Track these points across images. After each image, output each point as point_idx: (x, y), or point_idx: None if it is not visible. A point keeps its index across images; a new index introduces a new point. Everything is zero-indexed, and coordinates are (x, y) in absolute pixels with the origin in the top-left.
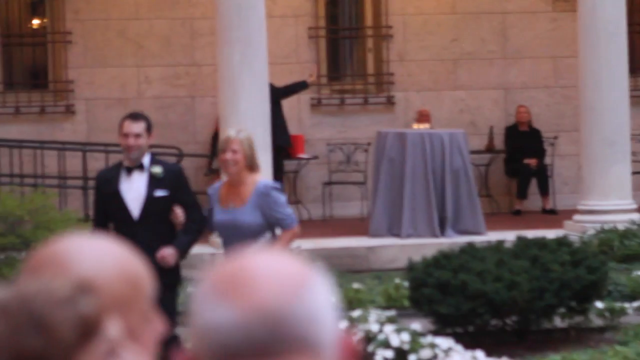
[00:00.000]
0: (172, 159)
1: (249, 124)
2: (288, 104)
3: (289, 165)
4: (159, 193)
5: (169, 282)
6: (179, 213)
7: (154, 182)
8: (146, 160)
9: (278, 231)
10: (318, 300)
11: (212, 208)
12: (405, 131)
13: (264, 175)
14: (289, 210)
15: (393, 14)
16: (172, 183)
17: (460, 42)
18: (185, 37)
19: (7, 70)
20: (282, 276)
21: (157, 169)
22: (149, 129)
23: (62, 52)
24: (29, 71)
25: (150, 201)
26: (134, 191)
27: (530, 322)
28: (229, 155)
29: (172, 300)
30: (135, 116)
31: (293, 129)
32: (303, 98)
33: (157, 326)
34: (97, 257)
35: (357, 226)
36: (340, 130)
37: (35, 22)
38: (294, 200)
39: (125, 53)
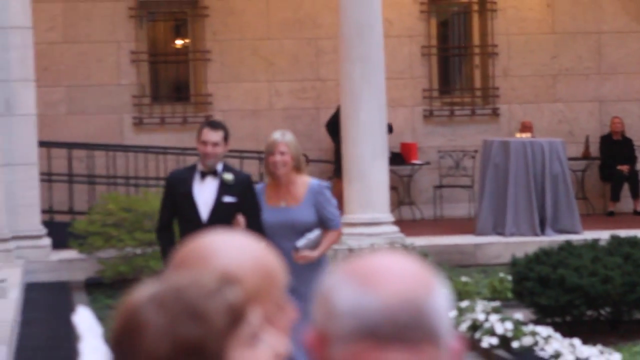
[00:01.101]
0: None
1: (367, 132)
2: (403, 115)
3: (403, 170)
4: (228, 199)
5: None
6: (240, 221)
7: (224, 188)
8: (219, 166)
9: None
10: (444, 298)
11: None
12: (509, 140)
13: (382, 179)
14: (337, 212)
15: (498, 33)
16: (240, 190)
17: (559, 59)
18: (311, 55)
19: (153, 85)
20: (415, 273)
21: (229, 176)
22: (226, 138)
23: (202, 69)
24: (173, 86)
25: (218, 206)
26: (205, 195)
27: (622, 313)
28: (277, 157)
29: None
30: (214, 125)
31: (407, 137)
32: (417, 110)
33: (289, 313)
34: (235, 252)
35: (465, 225)
36: (450, 138)
37: (179, 42)
38: (408, 202)
39: (257, 69)
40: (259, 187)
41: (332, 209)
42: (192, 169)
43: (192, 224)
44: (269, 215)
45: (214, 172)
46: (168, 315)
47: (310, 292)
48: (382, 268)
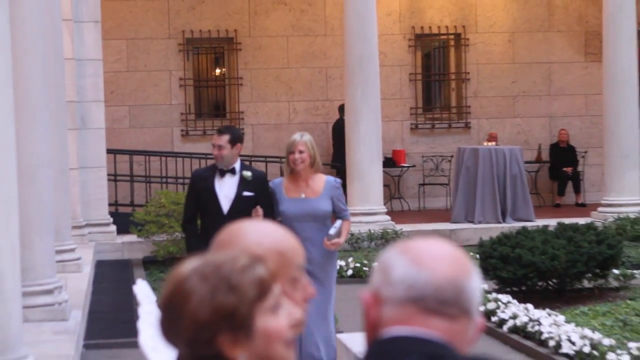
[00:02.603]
0: None
1: (366, 142)
2: (394, 128)
3: (394, 171)
4: (247, 193)
5: None
6: (259, 212)
7: (243, 183)
8: (237, 165)
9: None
10: (477, 282)
11: (276, 199)
12: (478, 147)
13: (377, 178)
14: (346, 205)
15: (470, 63)
16: (257, 186)
17: (517, 83)
18: (321, 80)
19: (197, 104)
20: (458, 258)
21: (248, 174)
22: (232, 140)
23: (235, 92)
24: (213, 105)
25: (239, 199)
26: (226, 190)
27: (566, 283)
28: (297, 155)
29: None
30: (220, 130)
31: (397, 145)
32: (405, 124)
33: (306, 289)
34: (259, 236)
35: (443, 215)
36: (431, 146)
37: (217, 71)
38: (398, 196)
39: (279, 92)
40: (276, 181)
41: (344, 202)
42: (212, 168)
43: (215, 215)
44: (290, 205)
45: (232, 170)
46: (208, 286)
47: (325, 275)
48: (432, 251)
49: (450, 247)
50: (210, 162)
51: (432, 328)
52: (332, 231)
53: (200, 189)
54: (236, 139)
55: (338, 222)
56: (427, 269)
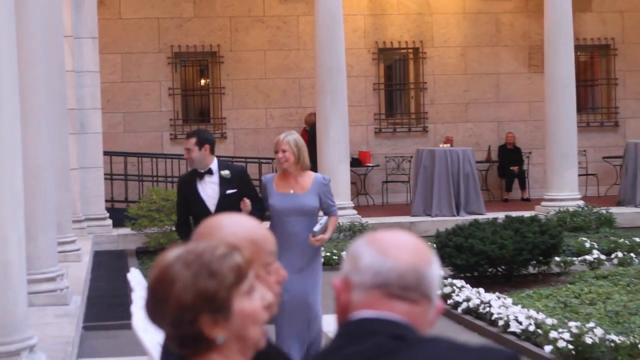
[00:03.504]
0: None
1: (335, 144)
2: (360, 132)
3: (360, 170)
4: (229, 191)
5: None
6: (247, 203)
7: (224, 182)
8: (214, 165)
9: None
10: (437, 269)
11: (267, 193)
12: (434, 149)
13: (345, 177)
14: (334, 201)
15: (427, 74)
16: (238, 182)
17: (469, 92)
18: (295, 90)
19: (184, 111)
20: (420, 248)
21: (226, 172)
22: (199, 142)
23: (219, 100)
24: (198, 111)
25: (223, 198)
26: (209, 191)
27: (513, 270)
28: (280, 154)
29: None
30: (188, 134)
31: (363, 147)
32: (370, 128)
33: (278, 272)
34: (232, 228)
35: (404, 209)
36: (393, 148)
37: (202, 81)
38: (364, 193)
39: (257, 100)
40: (268, 176)
41: (332, 198)
42: (193, 172)
43: (204, 216)
44: (279, 200)
45: (209, 171)
46: (191, 272)
47: (310, 268)
48: (397, 241)
49: (413, 238)
50: None
51: (395, 311)
52: (316, 227)
53: (186, 193)
54: (203, 140)
55: (323, 219)
56: (391, 258)
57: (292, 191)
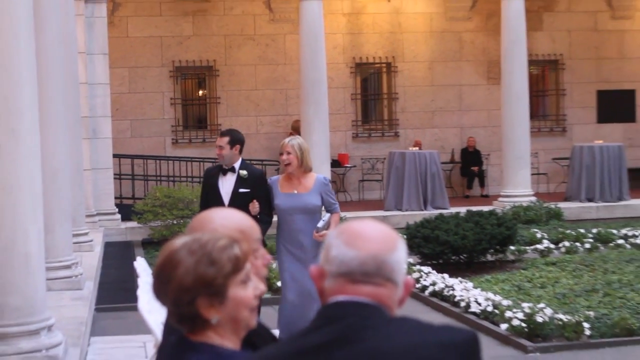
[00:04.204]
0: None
1: (317, 147)
2: (339, 136)
3: (339, 170)
4: (242, 190)
5: None
6: (256, 205)
7: (240, 181)
8: (237, 164)
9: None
10: (400, 255)
11: (272, 194)
12: (405, 151)
13: (326, 176)
14: (336, 200)
15: (398, 85)
16: (253, 183)
17: (435, 101)
18: (282, 99)
19: (184, 118)
20: (383, 236)
21: (244, 172)
22: (231, 142)
23: (215, 108)
24: (197, 119)
25: (235, 195)
26: (226, 186)
27: (473, 257)
28: (284, 156)
29: None
30: (222, 133)
31: (342, 150)
32: (348, 133)
33: (264, 256)
34: (221, 220)
35: (378, 204)
36: (368, 151)
37: (200, 92)
38: (343, 190)
39: (249, 109)
40: (274, 178)
41: (333, 197)
42: (219, 167)
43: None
44: (283, 199)
45: (232, 169)
46: (194, 259)
47: (315, 261)
48: (362, 232)
49: (378, 227)
50: (195, 164)
51: (362, 294)
52: (320, 224)
53: (208, 185)
54: (235, 140)
55: (326, 216)
56: (354, 248)
57: (295, 191)
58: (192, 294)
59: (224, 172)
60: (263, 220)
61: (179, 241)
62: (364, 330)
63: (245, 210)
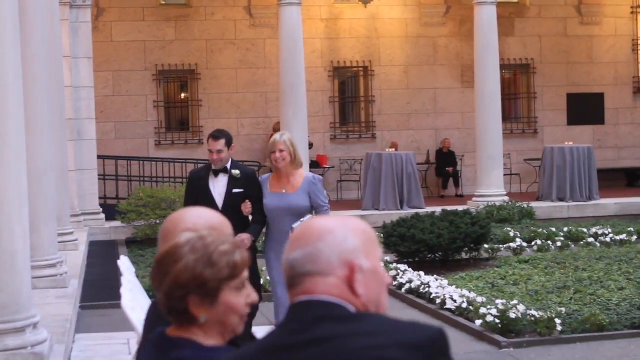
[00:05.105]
0: (255, 168)
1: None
2: (319, 139)
3: (318, 171)
4: (236, 190)
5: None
6: (248, 205)
7: (233, 181)
8: (229, 164)
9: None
10: (333, 247)
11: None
12: (382, 153)
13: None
14: (327, 200)
15: (375, 89)
16: (246, 183)
17: (411, 104)
18: (262, 102)
19: (167, 121)
20: (320, 233)
21: (236, 172)
22: (228, 143)
23: (197, 111)
24: (179, 121)
25: (229, 196)
26: (219, 188)
27: (449, 256)
28: (277, 154)
29: (252, 271)
30: (215, 136)
31: (321, 151)
32: (327, 135)
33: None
34: (193, 219)
35: (355, 204)
36: (346, 152)
37: (182, 95)
38: None
39: (230, 111)
40: (264, 177)
41: (322, 197)
42: (207, 168)
43: None
44: (271, 199)
45: (224, 170)
46: (195, 257)
47: None
48: (302, 233)
49: (309, 224)
50: (177, 165)
51: (317, 291)
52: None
53: (197, 188)
54: (230, 141)
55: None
56: (288, 252)
57: (284, 191)
58: (185, 290)
59: (215, 174)
60: (256, 220)
61: (185, 236)
62: (335, 321)
63: (240, 211)
